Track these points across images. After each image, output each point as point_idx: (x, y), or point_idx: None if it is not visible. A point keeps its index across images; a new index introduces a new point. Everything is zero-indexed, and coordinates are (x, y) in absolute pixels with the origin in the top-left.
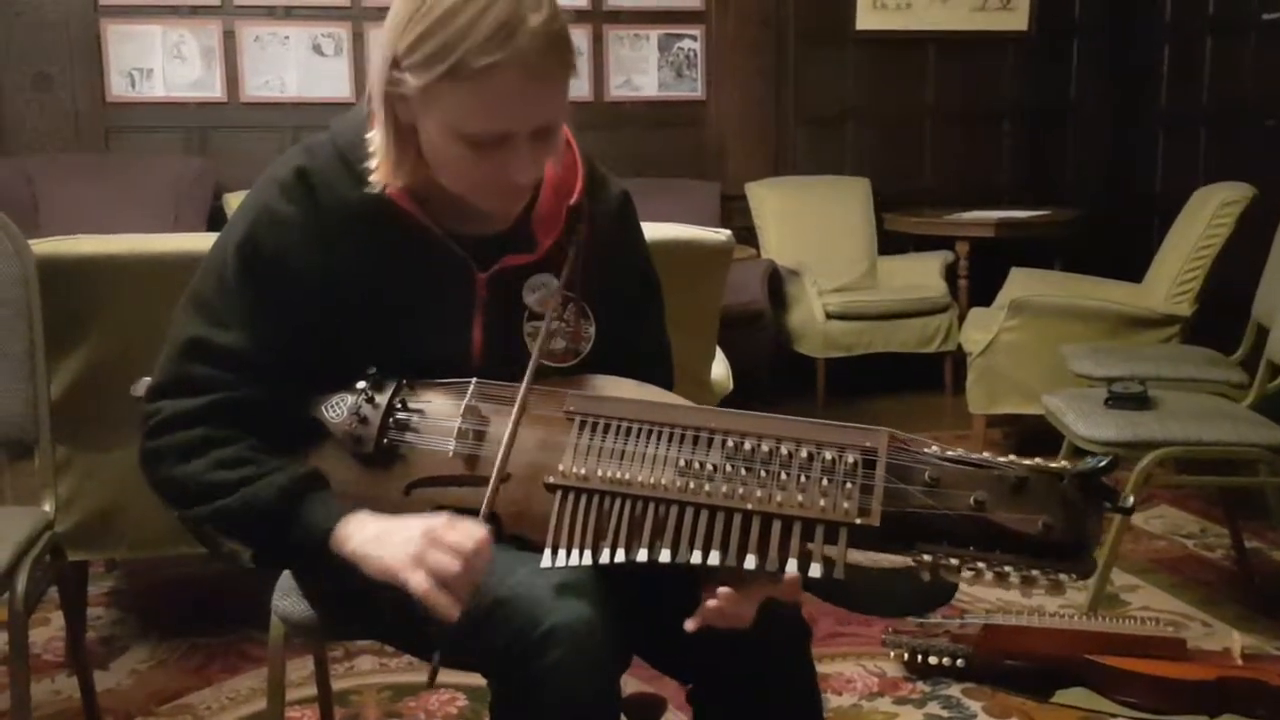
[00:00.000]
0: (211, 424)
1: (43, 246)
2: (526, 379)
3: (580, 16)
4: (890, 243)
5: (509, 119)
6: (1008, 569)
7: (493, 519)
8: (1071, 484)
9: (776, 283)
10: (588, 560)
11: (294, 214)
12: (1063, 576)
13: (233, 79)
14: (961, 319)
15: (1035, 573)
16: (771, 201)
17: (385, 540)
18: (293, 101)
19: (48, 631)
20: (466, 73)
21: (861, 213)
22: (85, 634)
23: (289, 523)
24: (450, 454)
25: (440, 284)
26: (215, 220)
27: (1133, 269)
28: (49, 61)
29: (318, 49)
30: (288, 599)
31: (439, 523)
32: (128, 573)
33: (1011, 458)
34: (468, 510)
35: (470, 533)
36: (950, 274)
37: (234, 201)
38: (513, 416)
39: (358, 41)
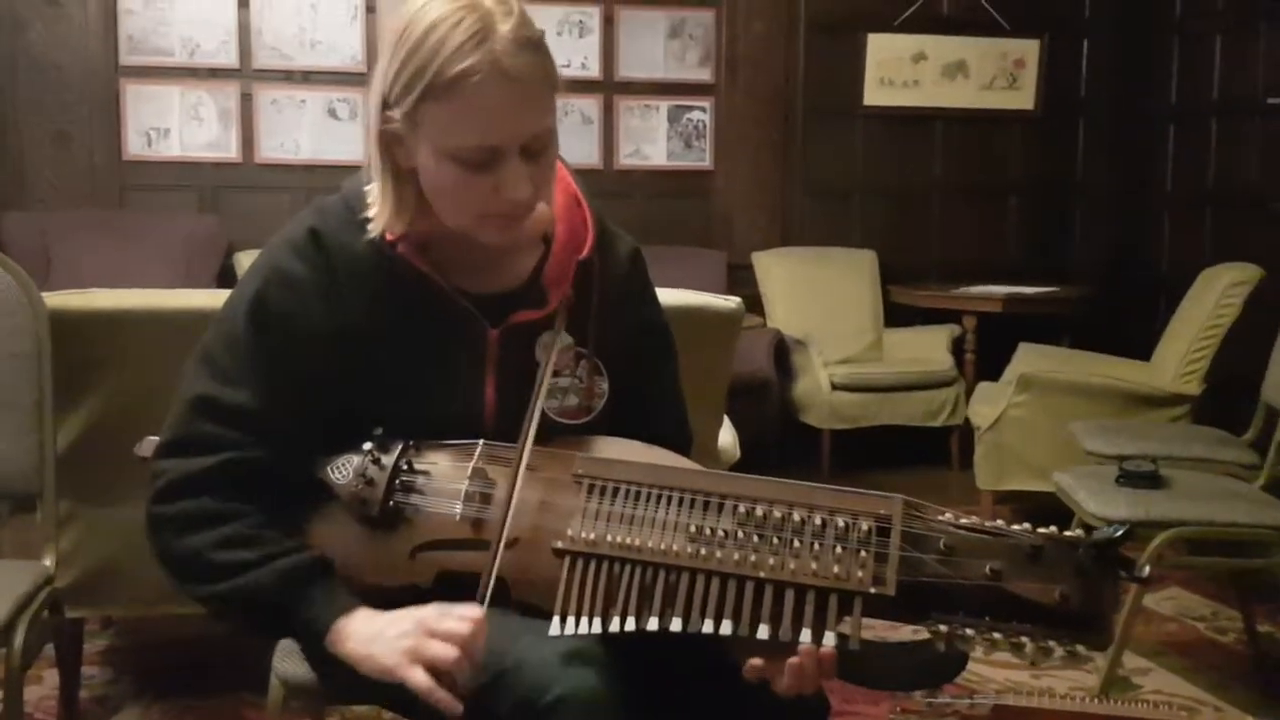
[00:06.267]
0: (217, 493)
1: (55, 299)
2: (528, 437)
3: (592, 86)
4: (897, 315)
5: (493, 130)
6: (1024, 639)
7: (499, 585)
8: (1087, 553)
9: (782, 353)
10: (597, 629)
11: (305, 273)
12: (1079, 647)
13: (248, 140)
14: (968, 393)
15: (1052, 643)
16: (778, 271)
17: (380, 639)
18: (306, 164)
19: (40, 690)
20: (443, 84)
21: (868, 285)
22: (79, 692)
23: (287, 613)
24: (457, 517)
25: (451, 341)
26: (226, 277)
27: (1139, 347)
28: (69, 119)
29: (332, 113)
30: (289, 660)
31: (431, 613)
32: (123, 631)
33: (1026, 526)
34: (474, 575)
35: (464, 616)
36: (957, 348)
37: (245, 260)
38: (514, 480)
39: None
